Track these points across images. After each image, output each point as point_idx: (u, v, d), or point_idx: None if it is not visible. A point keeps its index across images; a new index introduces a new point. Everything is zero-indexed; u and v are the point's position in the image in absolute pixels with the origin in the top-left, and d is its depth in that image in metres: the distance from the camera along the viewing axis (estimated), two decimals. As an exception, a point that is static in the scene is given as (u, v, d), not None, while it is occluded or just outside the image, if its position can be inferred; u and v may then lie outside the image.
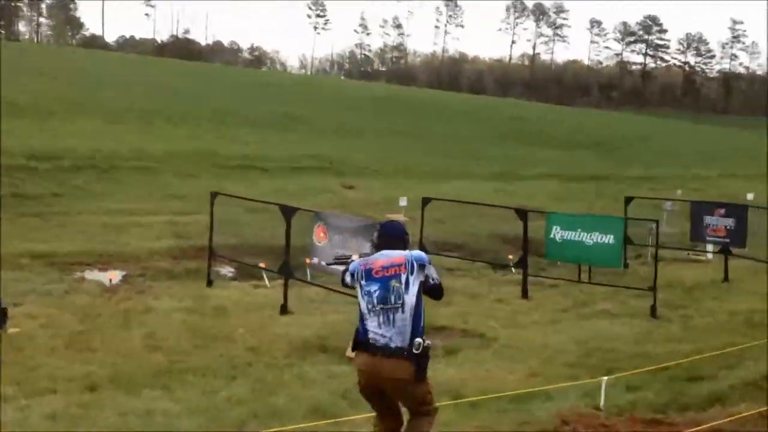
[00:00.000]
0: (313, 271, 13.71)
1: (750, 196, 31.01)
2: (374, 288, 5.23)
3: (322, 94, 65.37)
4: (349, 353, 10.79)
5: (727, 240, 18.20)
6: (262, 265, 14.96)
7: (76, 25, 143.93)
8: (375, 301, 5.22)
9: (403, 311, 5.17)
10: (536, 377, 10.30)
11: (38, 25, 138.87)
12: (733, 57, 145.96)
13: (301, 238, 13.48)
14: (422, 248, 17.84)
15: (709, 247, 19.96)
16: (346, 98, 64.15)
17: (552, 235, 15.40)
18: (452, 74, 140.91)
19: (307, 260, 16.67)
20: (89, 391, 8.32)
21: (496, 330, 12.99)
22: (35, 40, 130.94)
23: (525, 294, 15.86)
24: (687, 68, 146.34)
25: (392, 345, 5.13)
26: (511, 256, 18.01)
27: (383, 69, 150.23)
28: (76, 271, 15.16)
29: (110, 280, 14.46)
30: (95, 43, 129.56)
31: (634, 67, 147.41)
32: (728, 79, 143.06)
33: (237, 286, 15.24)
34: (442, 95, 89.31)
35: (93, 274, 14.88)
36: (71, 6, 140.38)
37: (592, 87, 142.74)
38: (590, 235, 14.82)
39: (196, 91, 50.55)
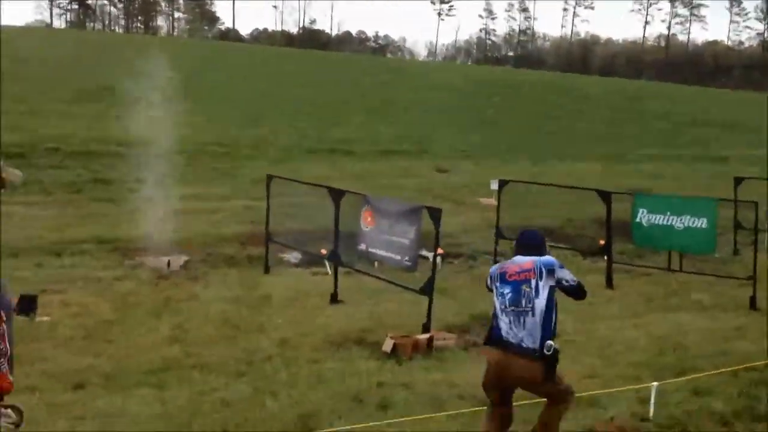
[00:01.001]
0: (364, 257, 12.78)
1: None
2: (507, 290, 5.62)
3: (442, 80, 64.25)
4: (383, 347, 9.89)
5: None
6: (323, 251, 14.10)
7: (211, 19, 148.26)
8: (507, 302, 5.61)
9: (533, 314, 5.50)
10: (592, 379, 9.08)
11: (173, 19, 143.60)
12: None
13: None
14: (499, 234, 16.66)
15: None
16: (465, 83, 62.86)
17: (638, 219, 13.90)
18: (582, 57, 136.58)
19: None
20: (73, 389, 7.71)
21: (565, 324, 11.71)
22: (172, 34, 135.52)
23: (609, 283, 14.44)
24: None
25: (524, 345, 5.48)
26: (602, 242, 16.52)
27: (511, 54, 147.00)
28: (136, 257, 14.80)
29: (168, 266, 14.04)
30: (229, 36, 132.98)
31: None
32: None
33: (295, 273, 14.53)
34: (566, 78, 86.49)
35: (153, 260, 14.46)
36: (207, 1, 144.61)
37: (732, 68, 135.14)
38: (680, 219, 13.27)
39: (309, 81, 50.59)
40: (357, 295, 12.76)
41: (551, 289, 5.61)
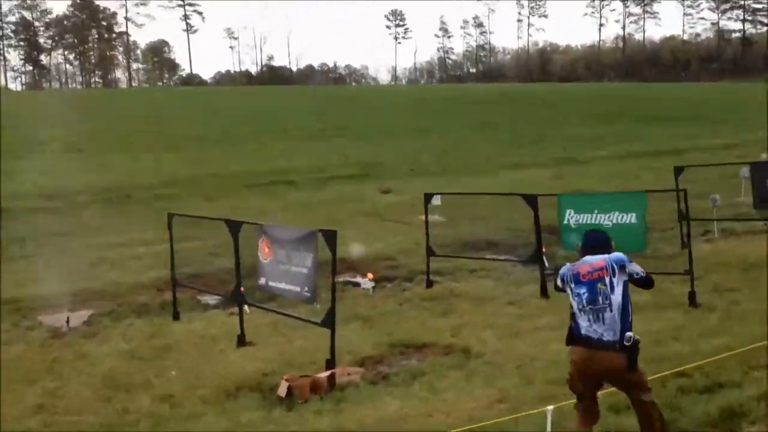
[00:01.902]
0: (265, 292, 11.80)
1: None
2: (582, 291, 5.81)
3: (400, 102, 63.63)
4: (278, 390, 8.89)
5: (801, 202, 15.34)
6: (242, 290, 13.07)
7: (171, 66, 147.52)
8: (584, 302, 5.79)
9: (611, 310, 5.72)
10: (502, 404, 8.13)
11: (130, 70, 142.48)
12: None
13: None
14: (430, 252, 15.72)
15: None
16: (423, 104, 62.23)
17: (566, 221, 13.02)
18: (542, 66, 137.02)
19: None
20: None
21: (488, 342, 10.77)
22: (131, 85, 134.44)
23: (543, 292, 13.50)
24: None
25: (605, 339, 5.68)
26: (545, 250, 15.63)
27: (473, 71, 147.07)
28: (38, 315, 13.71)
29: (67, 323, 12.97)
30: (192, 81, 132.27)
31: (733, 35, 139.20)
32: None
33: (208, 316, 13.49)
34: (526, 88, 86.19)
35: (51, 318, 13.38)
36: (165, 49, 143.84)
37: (689, 62, 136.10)
38: (609, 216, 12.37)
39: (257, 116, 49.75)
40: (268, 334, 11.79)
41: (625, 284, 5.82)
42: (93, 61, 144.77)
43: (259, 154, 34.63)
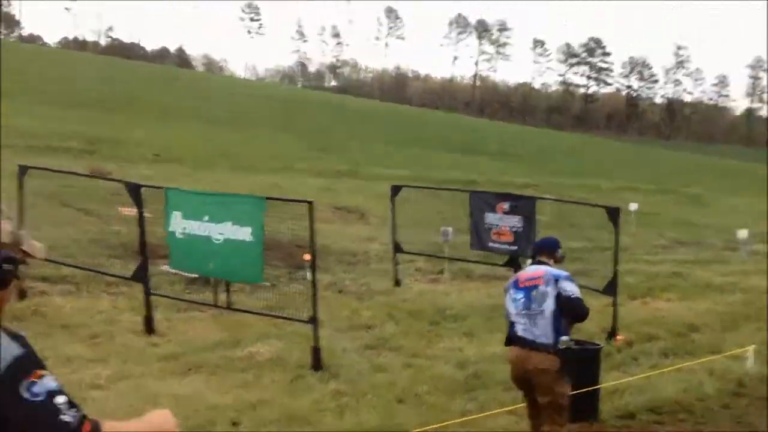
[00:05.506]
0: None
1: (633, 206, 25.39)
2: (520, 296, 5.96)
3: (217, 91, 59.34)
4: None
5: (515, 247, 12.16)
6: None
7: (9, 22, 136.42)
8: (520, 306, 5.92)
9: (543, 316, 5.80)
10: None
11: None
12: (677, 83, 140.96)
13: None
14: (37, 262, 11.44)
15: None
16: (236, 96, 58.25)
17: (172, 227, 9.14)
18: (398, 89, 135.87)
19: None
20: None
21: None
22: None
23: (148, 324, 9.56)
24: (631, 92, 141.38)
25: (538, 341, 5.77)
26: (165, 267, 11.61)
27: (335, 83, 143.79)
28: None
29: None
30: (34, 42, 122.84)
31: (578, 89, 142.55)
32: (672, 104, 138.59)
33: None
34: (366, 104, 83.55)
35: None
36: (3, 3, 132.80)
37: (535, 108, 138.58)
38: (220, 228, 8.61)
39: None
40: None
41: (556, 296, 5.83)
42: None
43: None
